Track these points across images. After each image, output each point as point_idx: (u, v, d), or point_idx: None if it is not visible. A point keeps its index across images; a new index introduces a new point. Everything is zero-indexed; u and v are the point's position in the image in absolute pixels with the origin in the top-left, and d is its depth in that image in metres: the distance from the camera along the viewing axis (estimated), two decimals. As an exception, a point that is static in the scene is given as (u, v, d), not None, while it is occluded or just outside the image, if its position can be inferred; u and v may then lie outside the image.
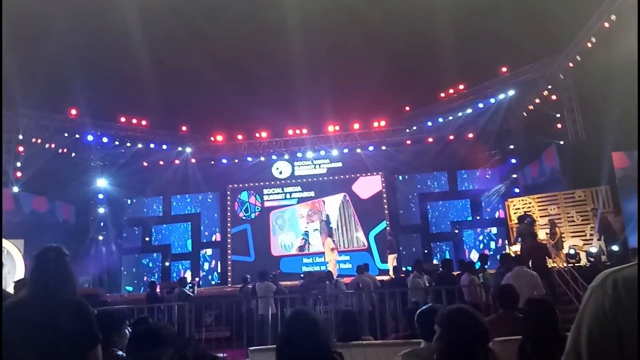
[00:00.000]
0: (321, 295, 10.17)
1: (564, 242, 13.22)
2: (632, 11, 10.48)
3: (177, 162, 19.02)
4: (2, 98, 12.42)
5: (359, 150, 18.99)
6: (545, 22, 12.86)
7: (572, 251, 12.47)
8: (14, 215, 14.18)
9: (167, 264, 19.12)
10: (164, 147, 18.72)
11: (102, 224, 19.20)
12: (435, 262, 16.01)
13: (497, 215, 18.00)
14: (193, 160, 19.14)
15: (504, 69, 16.04)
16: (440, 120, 17.74)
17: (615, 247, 11.52)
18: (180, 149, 18.96)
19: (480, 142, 18.09)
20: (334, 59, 15.72)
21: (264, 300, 9.82)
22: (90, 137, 17.35)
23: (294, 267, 17.58)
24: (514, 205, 15.37)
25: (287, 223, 18.80)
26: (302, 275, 13.62)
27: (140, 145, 18.34)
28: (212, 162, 19.43)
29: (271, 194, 19.22)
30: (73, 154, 17.99)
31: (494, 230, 18.09)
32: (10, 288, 6.94)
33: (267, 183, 19.31)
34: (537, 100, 16.21)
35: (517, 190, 17.53)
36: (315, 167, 19.39)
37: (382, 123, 18.25)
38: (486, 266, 10.68)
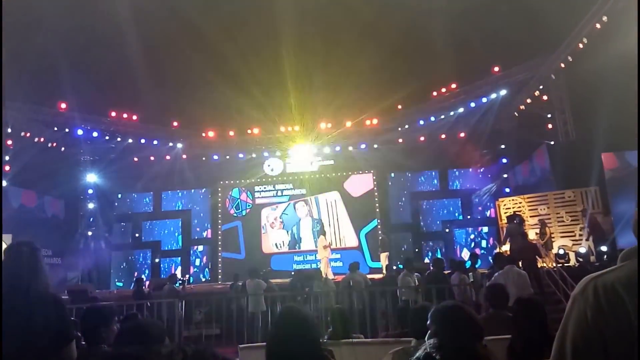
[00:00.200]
0: (311, 293, 10.16)
1: (554, 242, 13.31)
2: (624, 12, 10.56)
3: (167, 157, 18.91)
4: (2, 97, 12.30)
5: (350, 148, 18.99)
6: (537, 23, 12.90)
7: (561, 251, 12.56)
8: (2, 210, 14.02)
9: (157, 260, 19.02)
10: (155, 142, 18.58)
11: (91, 219, 19.07)
12: (427, 260, 16.06)
13: (488, 214, 18.10)
14: (184, 156, 19.03)
15: (496, 69, 16.09)
16: (432, 119, 17.78)
17: (604, 248, 11.63)
18: (171, 144, 18.84)
19: (471, 142, 18.16)
20: (327, 56, 15.66)
21: (254, 298, 9.79)
22: (80, 132, 17.19)
23: (284, 264, 17.56)
24: (505, 205, 15.45)
25: (278, 221, 18.76)
26: (292, 273, 13.61)
27: (130, 140, 18.21)
28: (204, 158, 19.34)
29: (262, 191, 19.17)
30: (62, 148, 17.81)
31: (485, 229, 18.19)
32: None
33: (259, 180, 19.23)
34: (529, 101, 16.30)
35: (507, 189, 17.65)
36: (306, 165, 19.35)
37: (374, 121, 18.23)
38: (477, 265, 10.74)
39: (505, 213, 14.82)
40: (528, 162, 16.56)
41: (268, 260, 17.83)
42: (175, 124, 18.50)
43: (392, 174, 19.23)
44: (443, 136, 18.22)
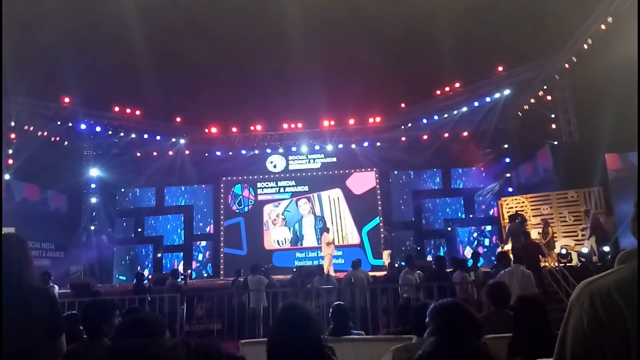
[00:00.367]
0: (312, 289, 10.18)
1: (556, 242, 13.30)
2: (629, 13, 10.51)
3: (170, 153, 18.93)
4: (1, 96, 12.32)
5: (353, 146, 18.99)
6: (542, 23, 12.87)
7: (563, 251, 12.55)
8: (5, 203, 14.03)
9: (159, 255, 19.07)
10: (158, 137, 18.62)
11: (94, 213, 19.11)
12: (429, 258, 16.07)
13: (491, 212, 18.08)
14: (187, 152, 19.05)
15: (500, 68, 16.08)
16: (436, 117, 17.77)
17: (606, 248, 11.61)
18: (174, 140, 18.86)
19: (474, 141, 18.14)
20: (331, 54, 15.68)
21: (255, 294, 9.80)
22: (83, 126, 17.22)
23: (286, 261, 17.58)
24: (507, 204, 15.43)
25: (280, 218, 18.77)
26: (294, 270, 13.63)
27: (133, 136, 18.25)
28: (206, 154, 19.36)
29: (265, 187, 19.18)
30: (66, 143, 17.86)
31: (488, 227, 18.19)
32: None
33: (261, 176, 19.26)
34: (532, 101, 16.26)
35: (510, 189, 17.63)
36: (309, 162, 19.37)
37: (377, 119, 18.25)
38: (479, 264, 10.74)
39: (507, 212, 14.80)
40: (531, 161, 16.52)
41: (270, 257, 17.86)
42: (178, 119, 18.54)
43: (395, 172, 19.23)
44: (446, 135, 18.20)
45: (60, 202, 17.58)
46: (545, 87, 15.51)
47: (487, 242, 18.09)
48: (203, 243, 19.31)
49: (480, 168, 18.80)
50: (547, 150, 15.21)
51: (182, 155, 18.96)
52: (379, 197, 18.61)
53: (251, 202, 19.09)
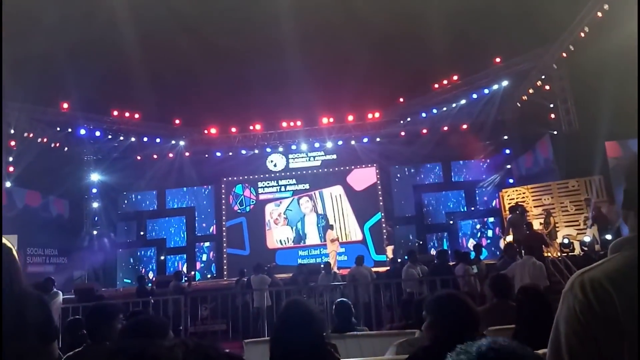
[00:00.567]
0: (316, 287, 10.19)
1: (558, 232, 13.29)
2: (626, 1, 10.48)
3: (170, 155, 18.95)
4: (1, 97, 12.30)
5: (353, 142, 18.98)
6: (538, 12, 12.83)
7: (566, 240, 12.54)
8: (7, 210, 14.07)
9: (162, 257, 19.11)
10: (157, 140, 18.64)
11: (96, 218, 19.13)
12: (433, 252, 16.08)
13: (494, 204, 18.07)
14: (187, 154, 19.06)
15: (498, 60, 16.02)
16: (435, 111, 17.75)
17: (609, 236, 11.59)
18: (173, 142, 18.88)
19: (474, 133, 18.11)
20: (327, 50, 15.64)
21: (259, 293, 9.83)
22: (82, 131, 17.24)
23: (289, 259, 17.58)
24: (508, 196, 15.42)
25: (282, 217, 18.77)
26: (297, 268, 13.64)
27: (133, 139, 18.25)
28: (206, 155, 19.37)
29: (266, 186, 19.18)
30: (66, 148, 17.89)
31: (491, 219, 18.20)
32: None
33: (262, 176, 19.27)
34: (531, 91, 16.23)
35: (511, 180, 17.62)
36: (309, 160, 19.37)
37: (376, 115, 18.23)
38: (481, 256, 10.74)
39: (508, 204, 14.79)
40: (531, 152, 16.51)
41: (273, 256, 17.87)
42: (177, 121, 18.53)
43: (395, 167, 19.22)
44: (445, 128, 18.17)
45: (62, 208, 17.62)
46: (543, 77, 15.48)
47: (490, 233, 18.12)
48: (207, 244, 19.35)
49: (480, 160, 18.79)
50: (547, 140, 15.19)
51: (182, 156, 18.98)
52: (379, 192, 18.60)
53: (252, 201, 19.10)
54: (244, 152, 19.36)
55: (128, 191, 19.72)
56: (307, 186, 18.88)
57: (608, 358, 1.16)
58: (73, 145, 18.13)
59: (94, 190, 19.16)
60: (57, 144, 17.40)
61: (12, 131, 15.17)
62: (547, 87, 15.42)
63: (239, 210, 19.10)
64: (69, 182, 17.21)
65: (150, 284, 12.88)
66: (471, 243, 17.11)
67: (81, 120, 16.96)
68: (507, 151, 18.16)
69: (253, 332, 8.99)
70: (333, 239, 14.96)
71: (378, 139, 18.82)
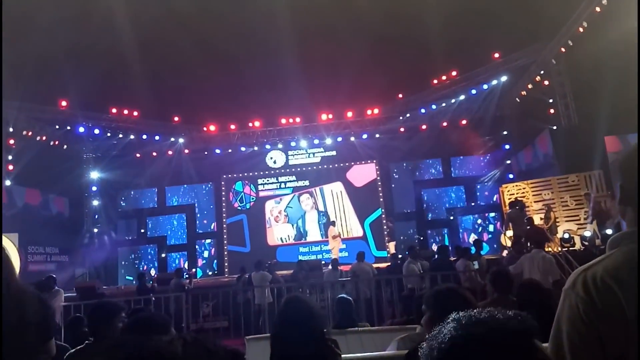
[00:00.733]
0: (317, 283, 10.21)
1: (558, 227, 13.30)
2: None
3: (170, 152, 18.94)
4: (1, 97, 12.28)
5: (352, 139, 18.97)
6: (536, 7, 12.81)
7: (566, 235, 12.54)
8: (7, 209, 14.09)
9: (163, 255, 19.13)
10: (157, 137, 18.63)
11: (96, 216, 19.14)
12: (434, 247, 16.10)
13: (494, 198, 18.07)
14: (186, 151, 19.06)
15: (496, 55, 16.02)
16: (434, 107, 17.74)
17: (609, 231, 11.59)
18: (172, 139, 18.87)
19: (473, 129, 18.13)
20: (325, 46, 15.61)
21: (260, 290, 9.84)
22: (81, 129, 17.23)
23: (290, 256, 17.59)
24: (509, 191, 15.42)
25: (282, 214, 18.77)
26: (297, 264, 13.65)
27: (132, 137, 18.26)
28: (206, 153, 19.37)
29: (266, 183, 19.18)
30: (65, 146, 17.88)
31: (492, 214, 18.22)
32: None
33: (262, 173, 19.26)
34: (530, 86, 16.22)
35: (511, 176, 17.63)
36: (309, 156, 19.36)
37: (376, 111, 18.23)
38: (482, 252, 10.75)
39: (508, 199, 14.80)
40: (531, 147, 16.51)
41: (274, 252, 17.87)
42: (176, 118, 18.53)
43: (395, 163, 19.23)
44: (445, 124, 18.18)
45: (62, 206, 17.62)
46: (542, 72, 15.47)
47: (491, 228, 18.14)
48: (208, 240, 19.39)
49: (480, 156, 18.80)
50: (547, 135, 15.20)
51: (182, 154, 18.98)
52: (379, 188, 18.60)
53: (253, 198, 19.10)
54: (243, 149, 19.35)
55: (128, 189, 19.72)
56: (307, 183, 18.88)
57: (615, 355, 1.15)
58: (72, 143, 18.12)
59: (94, 188, 19.16)
60: (57, 142, 17.40)
61: (11, 129, 15.16)
62: (546, 82, 15.42)
63: (239, 208, 19.10)
64: (69, 180, 17.22)
65: (150, 282, 12.90)
66: (472, 238, 17.12)
67: (80, 118, 16.96)
68: (507, 146, 18.17)
69: (254, 329, 9.00)
70: (335, 235, 14.98)
71: (377, 135, 18.81)
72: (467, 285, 8.49)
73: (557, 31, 13.92)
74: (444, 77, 17.07)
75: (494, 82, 16.66)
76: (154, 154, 19.02)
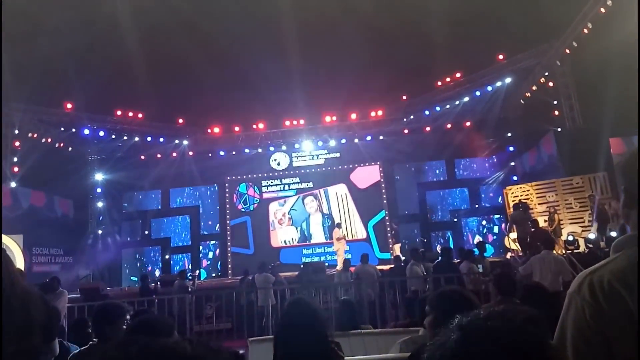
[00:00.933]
0: (320, 285, 10.20)
1: (563, 229, 13.24)
2: (629, -4, 10.43)
3: (174, 154, 18.98)
4: (1, 97, 12.34)
5: (356, 141, 18.97)
6: (541, 9, 12.79)
7: (570, 238, 12.49)
8: (12, 210, 14.15)
9: (167, 256, 19.18)
10: (161, 139, 18.68)
11: (100, 217, 19.22)
12: (439, 249, 16.07)
13: (499, 199, 18.01)
14: (190, 153, 19.10)
15: (501, 57, 15.98)
16: (438, 109, 17.72)
17: (613, 233, 11.54)
18: (177, 141, 18.92)
19: (477, 131, 18.09)
20: (330, 49, 15.64)
21: (263, 292, 9.84)
22: (86, 131, 17.32)
23: (293, 258, 17.59)
24: (512, 193, 15.38)
25: (286, 217, 18.76)
26: (302, 266, 13.65)
27: (137, 139, 18.31)
28: (210, 154, 19.40)
29: (269, 185, 19.19)
30: (70, 148, 17.96)
31: (497, 215, 18.17)
32: None
33: (265, 175, 19.27)
34: (534, 88, 16.18)
35: (515, 178, 17.57)
36: (313, 158, 19.36)
37: (380, 113, 18.21)
38: (485, 254, 10.72)
39: (512, 201, 14.76)
40: (535, 149, 16.45)
41: (277, 254, 17.88)
42: (180, 121, 18.57)
43: (399, 165, 19.21)
44: (449, 126, 18.15)
45: (66, 208, 17.69)
46: (546, 73, 15.43)
47: (496, 230, 18.09)
48: (212, 242, 19.42)
49: (484, 158, 18.76)
50: (551, 137, 15.14)
51: (186, 156, 19.01)
52: (383, 190, 18.58)
53: (256, 200, 19.11)
54: (247, 151, 19.38)
55: (132, 190, 19.78)
56: (310, 185, 18.88)
57: (624, 358, 1.13)
58: (77, 145, 18.20)
59: (99, 190, 19.26)
60: (61, 144, 17.48)
61: (17, 132, 15.24)
62: (551, 84, 15.38)
63: (243, 209, 19.12)
64: (74, 182, 17.31)
65: (153, 283, 12.92)
66: (477, 239, 17.08)
67: (85, 121, 17.04)
68: (511, 148, 18.12)
69: (258, 330, 9.00)
70: (339, 238, 14.95)
71: (381, 137, 18.79)
72: (471, 288, 8.47)
73: (562, 32, 13.89)
74: (448, 79, 17.06)
75: (498, 83, 16.62)
76: (159, 155, 19.08)
